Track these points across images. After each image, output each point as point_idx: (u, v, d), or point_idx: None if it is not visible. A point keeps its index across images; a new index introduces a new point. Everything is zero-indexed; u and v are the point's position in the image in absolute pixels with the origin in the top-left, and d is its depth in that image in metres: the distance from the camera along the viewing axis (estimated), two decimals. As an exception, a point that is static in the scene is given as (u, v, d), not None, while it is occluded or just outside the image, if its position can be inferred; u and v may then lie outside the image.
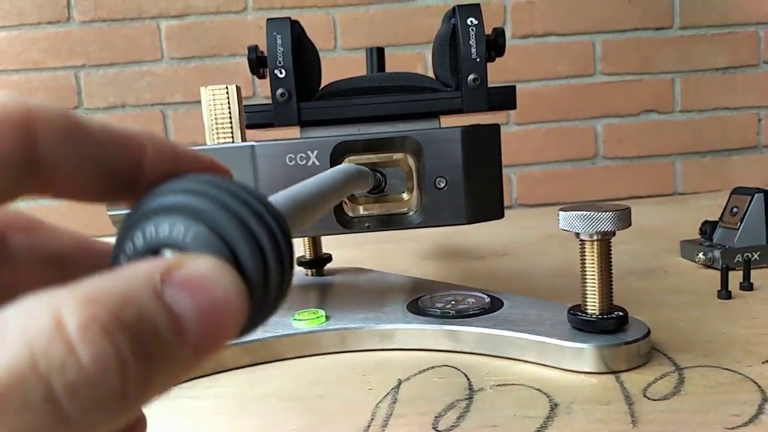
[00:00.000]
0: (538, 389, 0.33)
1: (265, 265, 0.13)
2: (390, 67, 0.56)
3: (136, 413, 0.13)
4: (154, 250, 0.13)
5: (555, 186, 1.11)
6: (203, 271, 0.12)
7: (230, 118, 0.48)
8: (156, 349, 0.11)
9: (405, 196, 0.43)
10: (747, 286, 0.49)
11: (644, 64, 1.10)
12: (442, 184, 0.41)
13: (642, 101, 1.10)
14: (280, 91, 0.42)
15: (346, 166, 0.32)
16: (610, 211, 0.34)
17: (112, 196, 0.15)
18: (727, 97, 1.11)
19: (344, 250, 0.71)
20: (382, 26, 1.08)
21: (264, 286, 0.13)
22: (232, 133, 0.48)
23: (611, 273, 0.36)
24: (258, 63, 0.44)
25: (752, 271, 0.50)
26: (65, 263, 0.17)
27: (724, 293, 0.47)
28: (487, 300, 0.43)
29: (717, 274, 0.49)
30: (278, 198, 0.18)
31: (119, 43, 1.08)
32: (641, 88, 1.10)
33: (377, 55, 0.54)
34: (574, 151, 1.11)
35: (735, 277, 0.49)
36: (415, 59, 1.07)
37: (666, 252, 0.64)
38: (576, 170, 1.11)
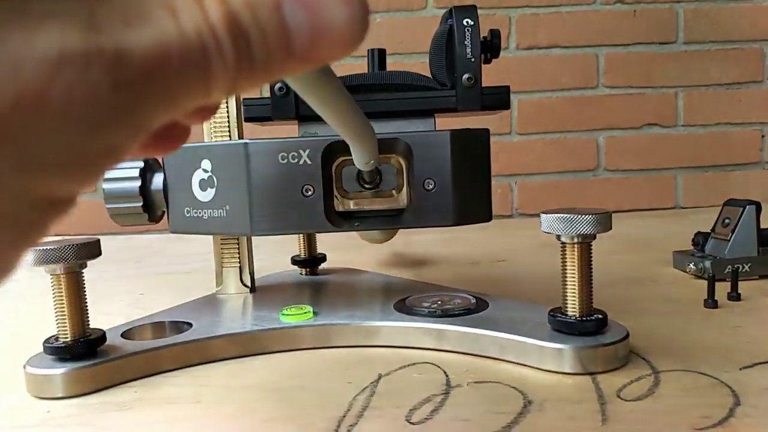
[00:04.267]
0: (514, 387, 0.34)
1: None
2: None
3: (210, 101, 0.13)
4: None
5: (556, 197, 1.11)
6: None
7: (227, 114, 0.49)
8: (257, 53, 0.12)
9: (395, 193, 0.44)
10: (734, 296, 0.49)
11: (647, 78, 1.10)
12: (431, 186, 0.42)
13: (644, 114, 1.11)
14: (278, 85, 0.43)
15: None
16: (589, 215, 0.35)
17: None
18: (730, 112, 1.11)
19: (340, 252, 0.72)
20: (389, 35, 1.09)
21: None
22: (229, 129, 0.49)
23: (591, 276, 0.37)
24: None
25: (742, 282, 0.51)
26: None
27: (711, 302, 0.48)
28: (473, 301, 0.44)
29: (706, 284, 0.49)
30: None
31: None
32: (644, 102, 1.11)
33: (378, 56, 0.55)
34: (575, 162, 1.11)
35: (725, 288, 0.50)
36: (420, 68, 1.07)
37: (659, 263, 0.64)
38: (577, 181, 1.12)
